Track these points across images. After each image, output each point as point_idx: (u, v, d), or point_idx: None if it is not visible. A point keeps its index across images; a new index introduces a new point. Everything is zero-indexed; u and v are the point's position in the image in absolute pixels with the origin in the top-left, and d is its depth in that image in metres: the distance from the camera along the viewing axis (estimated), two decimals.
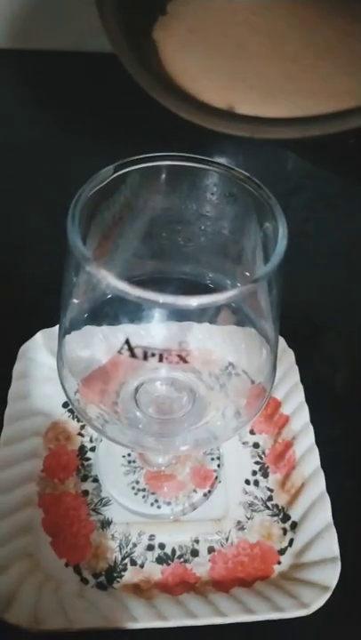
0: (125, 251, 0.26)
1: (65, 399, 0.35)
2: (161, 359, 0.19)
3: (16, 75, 0.60)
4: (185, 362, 0.19)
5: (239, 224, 0.23)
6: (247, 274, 0.25)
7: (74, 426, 0.34)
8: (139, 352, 0.19)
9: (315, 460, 0.32)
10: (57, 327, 0.35)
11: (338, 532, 0.29)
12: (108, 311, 0.21)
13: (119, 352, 0.19)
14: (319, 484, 0.31)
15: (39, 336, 0.35)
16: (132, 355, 0.19)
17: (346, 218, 0.47)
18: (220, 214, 0.24)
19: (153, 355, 0.19)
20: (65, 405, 0.35)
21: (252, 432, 0.34)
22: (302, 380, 0.34)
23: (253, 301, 0.20)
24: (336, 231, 0.46)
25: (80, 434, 0.34)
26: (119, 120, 0.53)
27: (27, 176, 0.49)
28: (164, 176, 0.22)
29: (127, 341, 0.19)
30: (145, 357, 0.19)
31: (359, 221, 0.47)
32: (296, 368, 0.35)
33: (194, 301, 0.17)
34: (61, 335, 0.24)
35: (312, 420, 0.33)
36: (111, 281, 0.17)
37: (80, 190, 0.20)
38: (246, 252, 0.23)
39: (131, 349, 0.19)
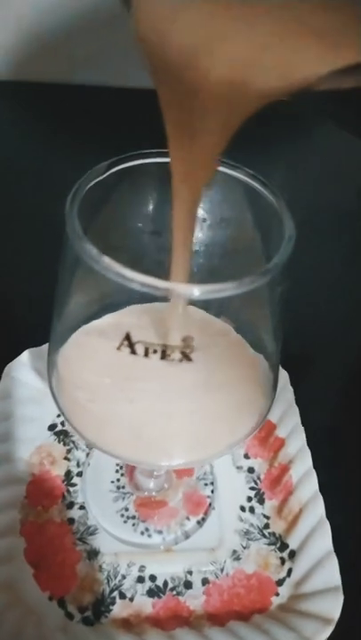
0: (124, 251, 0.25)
1: (51, 422, 0.33)
2: (163, 356, 0.18)
3: (13, 106, 0.60)
4: (188, 359, 0.18)
5: (245, 224, 0.22)
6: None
7: (60, 449, 0.32)
8: (140, 348, 0.18)
9: (313, 484, 0.30)
10: (44, 346, 0.34)
11: (339, 560, 0.28)
12: (107, 305, 0.20)
13: (118, 349, 0.18)
14: (318, 509, 0.30)
15: (25, 355, 0.34)
16: (133, 351, 0.18)
17: (342, 235, 0.48)
18: (225, 215, 0.23)
19: (155, 351, 0.18)
20: (51, 428, 0.33)
21: (246, 456, 0.33)
22: (297, 402, 0.33)
23: (257, 300, 0.19)
24: (330, 252, 0.46)
25: (66, 458, 0.32)
26: (115, 150, 0.54)
27: (17, 199, 0.48)
28: (160, 175, 0.21)
29: (127, 336, 0.18)
30: (146, 354, 0.18)
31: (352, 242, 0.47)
32: (291, 389, 0.34)
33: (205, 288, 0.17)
34: (53, 343, 0.22)
35: (308, 443, 0.32)
36: (115, 266, 0.16)
37: (78, 183, 0.20)
38: (251, 256, 0.23)
39: (131, 345, 0.18)
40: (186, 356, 0.18)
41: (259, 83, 0.15)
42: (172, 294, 0.17)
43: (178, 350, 0.18)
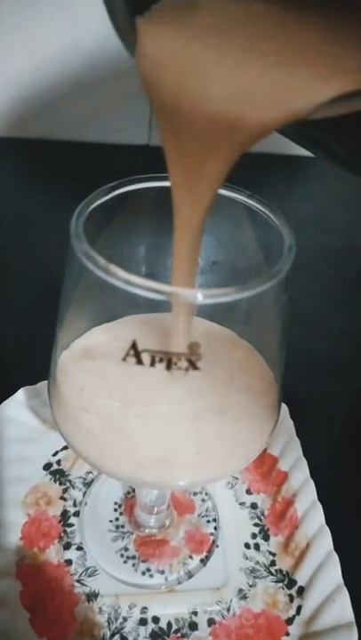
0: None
1: (46, 461, 0.32)
2: (169, 365, 0.18)
3: (9, 162, 0.62)
4: (195, 368, 0.18)
5: (245, 243, 0.23)
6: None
7: (55, 489, 0.31)
8: (146, 358, 0.18)
9: (319, 516, 0.29)
10: (39, 384, 0.34)
11: (350, 594, 0.27)
12: (111, 314, 0.20)
13: (124, 359, 0.18)
14: (325, 542, 0.29)
15: (20, 394, 0.33)
16: (139, 361, 0.18)
17: (338, 270, 0.48)
18: (224, 237, 0.24)
19: (161, 360, 0.18)
20: (46, 467, 0.32)
21: (248, 492, 0.32)
22: (298, 434, 0.33)
23: (261, 307, 0.19)
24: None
25: (62, 497, 0.31)
26: None
27: (14, 247, 0.49)
28: (158, 198, 0.22)
29: (134, 345, 0.18)
30: (152, 363, 0.18)
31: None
32: (291, 422, 0.33)
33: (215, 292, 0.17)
34: (55, 361, 0.22)
35: (312, 475, 0.31)
36: (120, 272, 0.17)
37: (82, 202, 0.20)
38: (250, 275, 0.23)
39: (137, 354, 0.18)
40: (192, 364, 0.18)
41: (257, 114, 0.16)
42: (177, 299, 0.17)
43: (184, 358, 0.18)
